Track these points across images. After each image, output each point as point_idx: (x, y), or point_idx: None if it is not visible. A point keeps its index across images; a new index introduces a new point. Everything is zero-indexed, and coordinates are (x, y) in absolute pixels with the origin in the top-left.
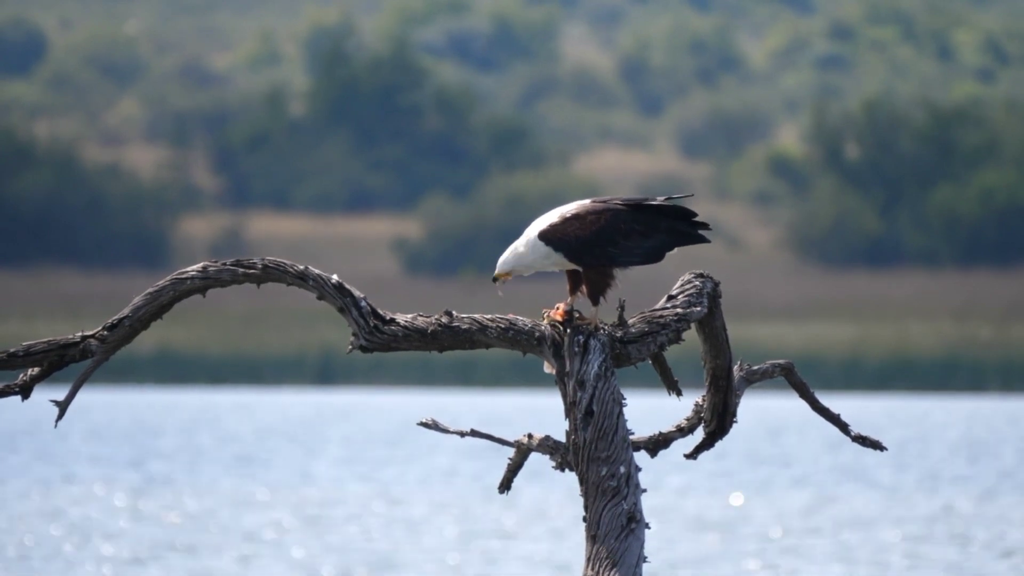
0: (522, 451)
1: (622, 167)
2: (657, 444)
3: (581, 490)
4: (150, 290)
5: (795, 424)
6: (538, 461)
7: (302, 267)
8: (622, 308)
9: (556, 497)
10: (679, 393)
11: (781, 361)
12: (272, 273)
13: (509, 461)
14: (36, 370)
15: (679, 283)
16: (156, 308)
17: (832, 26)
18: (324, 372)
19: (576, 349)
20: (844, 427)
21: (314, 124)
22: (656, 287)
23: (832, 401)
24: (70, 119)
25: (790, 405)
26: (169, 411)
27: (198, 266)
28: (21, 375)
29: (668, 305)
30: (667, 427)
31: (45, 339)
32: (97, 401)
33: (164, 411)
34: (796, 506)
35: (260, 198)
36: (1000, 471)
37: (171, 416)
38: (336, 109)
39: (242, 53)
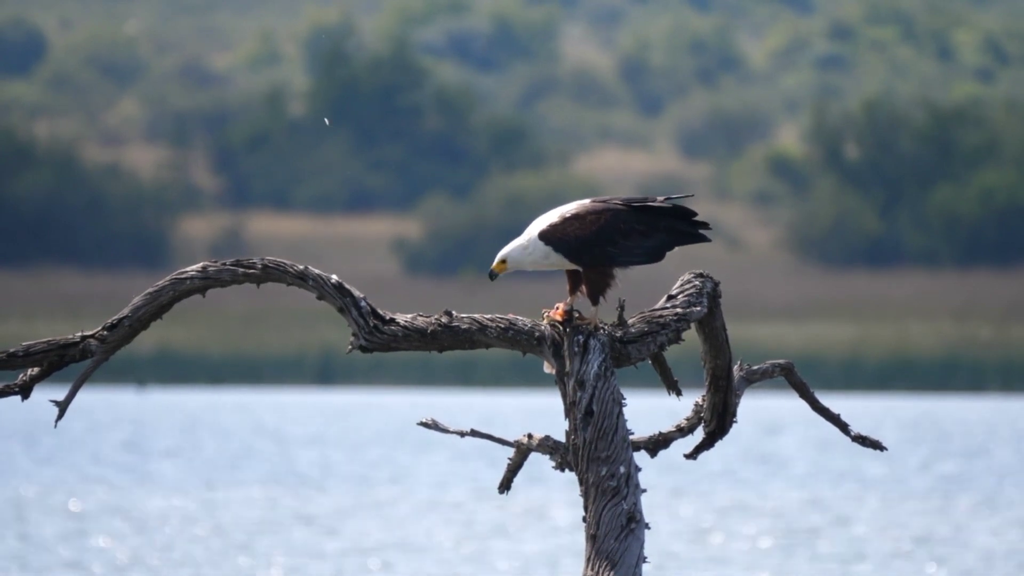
0: (522, 451)
1: (622, 167)
2: (657, 444)
3: (581, 490)
4: (150, 290)
5: (795, 424)
6: (538, 461)
7: (302, 267)
8: (622, 308)
9: (555, 497)
10: (679, 393)
11: (781, 361)
12: (272, 273)
13: (509, 461)
14: (36, 370)
15: (679, 283)
16: (156, 308)
17: (832, 26)
18: (324, 372)
19: (576, 349)
20: (844, 427)
21: (314, 124)
22: (656, 287)
23: (832, 401)
24: (70, 119)
25: (790, 405)
26: (169, 411)
27: (198, 266)
28: (21, 375)
29: (668, 305)
30: (667, 427)
31: (45, 339)
32: (97, 401)
33: (164, 411)
34: (796, 506)
35: (260, 198)
36: (1000, 471)
37: (171, 416)
38: (336, 109)
39: (242, 53)
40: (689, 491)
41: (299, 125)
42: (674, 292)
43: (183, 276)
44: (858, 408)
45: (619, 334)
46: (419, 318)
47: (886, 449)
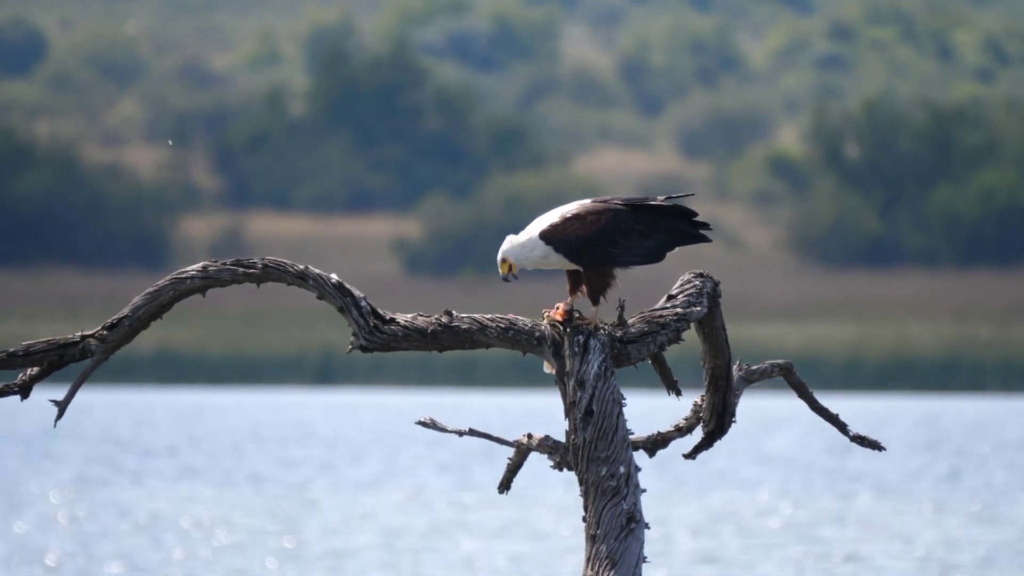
0: (521, 451)
1: (622, 167)
2: (656, 444)
3: (581, 490)
4: (150, 290)
5: (794, 424)
6: (538, 461)
7: (302, 267)
8: (622, 308)
9: (555, 497)
10: (678, 393)
11: (780, 361)
12: (272, 273)
13: (508, 461)
14: (36, 370)
15: (679, 283)
16: (156, 308)
17: (832, 26)
18: (324, 372)
19: (576, 349)
20: (843, 427)
21: (314, 124)
22: (656, 287)
23: (832, 401)
24: (70, 119)
25: (789, 405)
26: (169, 411)
27: (198, 266)
28: (21, 375)
29: (668, 305)
30: (666, 427)
31: (45, 339)
32: (97, 401)
33: (164, 411)
34: (795, 506)
35: (260, 198)
36: (1000, 471)
37: (171, 416)
38: (336, 109)
39: (242, 53)
40: (689, 491)
41: (299, 125)
42: (674, 292)
43: (183, 276)
44: (858, 408)
45: (619, 334)
46: (419, 318)
47: (885, 449)
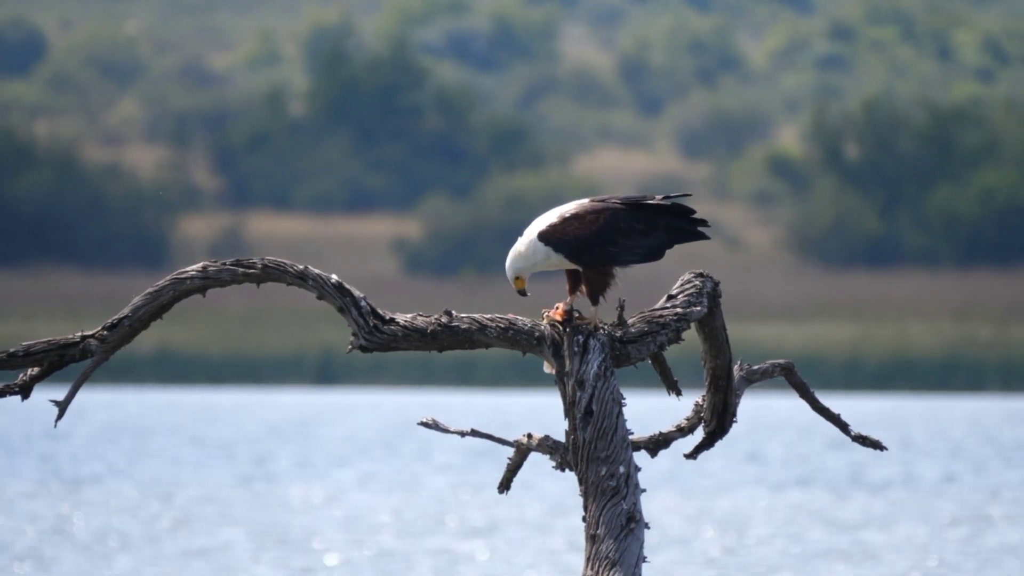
0: (521, 451)
1: (622, 167)
2: (657, 444)
3: (580, 490)
4: (150, 290)
5: (794, 424)
6: (538, 461)
7: (302, 267)
8: (622, 308)
9: (555, 497)
10: (679, 393)
11: (781, 361)
12: (272, 273)
13: (508, 461)
14: (36, 370)
15: (679, 283)
16: (156, 308)
17: (832, 26)
18: (324, 372)
19: (576, 349)
20: (844, 427)
21: (314, 124)
22: (656, 287)
23: (832, 401)
24: (70, 119)
25: (790, 405)
26: (169, 411)
27: (198, 266)
28: (21, 375)
29: (668, 305)
30: (667, 427)
31: (45, 339)
32: (97, 401)
33: (164, 411)
34: (794, 506)
35: (260, 198)
36: (1000, 471)
37: (171, 416)
38: (336, 109)
39: (242, 53)
40: (688, 491)
41: (299, 125)
42: (674, 292)
43: (183, 276)
44: (858, 408)
45: (619, 334)
46: (419, 318)
47: (886, 449)
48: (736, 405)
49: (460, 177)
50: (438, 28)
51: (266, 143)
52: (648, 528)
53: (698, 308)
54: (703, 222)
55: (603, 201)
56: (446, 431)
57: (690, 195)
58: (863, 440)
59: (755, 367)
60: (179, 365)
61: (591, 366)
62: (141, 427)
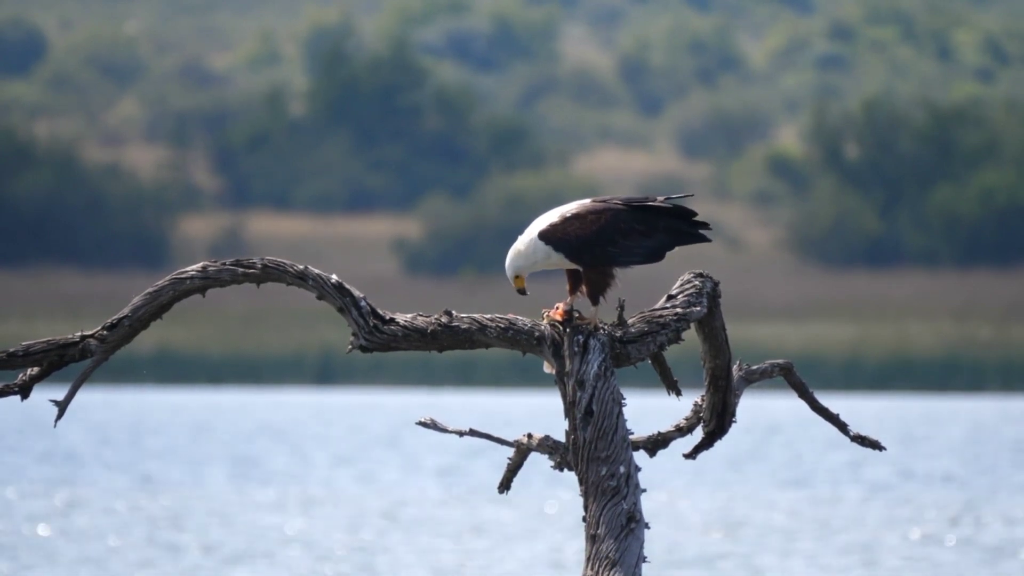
0: (521, 451)
1: (622, 167)
2: (656, 444)
3: (580, 490)
4: (150, 290)
5: (794, 424)
6: (538, 461)
7: (302, 267)
8: (622, 308)
9: (555, 497)
10: (678, 393)
11: (780, 361)
12: (272, 273)
13: (508, 461)
14: (36, 370)
15: (679, 283)
16: (156, 308)
17: (832, 26)
18: (324, 372)
19: (576, 349)
20: (843, 427)
21: (314, 124)
22: (656, 287)
23: (832, 401)
24: (70, 119)
25: (789, 405)
26: (169, 411)
27: (198, 266)
28: (20, 375)
29: (668, 305)
30: (666, 427)
31: (45, 339)
32: (97, 401)
33: (164, 411)
34: (794, 506)
35: (260, 198)
36: (999, 471)
37: (171, 416)
38: (336, 109)
39: (242, 53)
40: (688, 491)
41: (299, 125)
42: (674, 292)
43: (183, 276)
44: (858, 408)
45: (619, 334)
46: (419, 318)
47: (885, 449)
48: (735, 405)
49: (460, 177)
50: (438, 28)
51: (266, 143)
52: (648, 528)
53: (698, 308)
54: (705, 225)
55: (604, 202)
56: (445, 431)
57: (692, 195)
58: (862, 440)
59: (754, 367)
60: (179, 365)
61: (591, 366)
62: (141, 427)
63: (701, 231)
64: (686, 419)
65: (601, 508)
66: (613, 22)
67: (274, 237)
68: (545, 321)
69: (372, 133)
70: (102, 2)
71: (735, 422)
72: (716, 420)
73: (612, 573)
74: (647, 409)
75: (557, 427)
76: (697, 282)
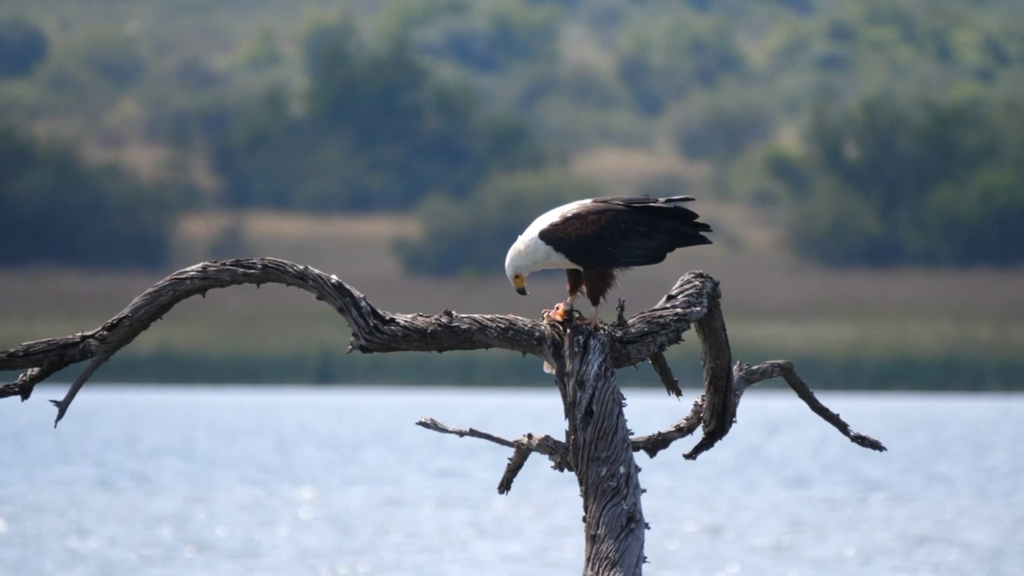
0: (521, 451)
1: (622, 167)
2: (656, 444)
3: (581, 490)
4: (150, 290)
5: (794, 424)
6: (538, 461)
7: (302, 267)
8: (622, 308)
9: (555, 497)
10: (679, 393)
11: (780, 361)
12: (272, 273)
13: (509, 461)
14: (36, 370)
15: (679, 283)
16: (156, 308)
17: (832, 26)
18: (324, 372)
19: (576, 349)
20: (843, 427)
21: (314, 124)
22: (656, 287)
23: (832, 401)
24: (70, 119)
25: (789, 405)
26: (169, 411)
27: (198, 266)
28: (21, 375)
29: (668, 305)
30: (666, 427)
31: (45, 339)
32: (97, 401)
33: (164, 411)
34: (794, 506)
35: (260, 198)
36: (999, 471)
37: (171, 416)
38: (336, 109)
39: (242, 53)
40: (688, 491)
41: (299, 125)
42: (674, 292)
43: (183, 276)
44: (858, 408)
45: (619, 334)
46: (419, 318)
47: (885, 449)
48: (735, 405)
49: (460, 177)
50: (438, 28)
51: (266, 143)
52: (648, 528)
53: (698, 308)
54: (705, 226)
55: (605, 202)
56: (445, 431)
57: (693, 199)
58: (862, 440)
59: (754, 367)
60: (179, 365)
61: (591, 366)
62: (140, 427)
63: (702, 233)
64: (686, 419)
65: (601, 508)
66: (613, 22)
67: (274, 237)
68: (545, 321)
69: (372, 133)
70: (102, 2)
71: (735, 422)
72: (716, 420)
73: (612, 573)
74: (647, 409)
75: (557, 427)
76: (697, 282)
